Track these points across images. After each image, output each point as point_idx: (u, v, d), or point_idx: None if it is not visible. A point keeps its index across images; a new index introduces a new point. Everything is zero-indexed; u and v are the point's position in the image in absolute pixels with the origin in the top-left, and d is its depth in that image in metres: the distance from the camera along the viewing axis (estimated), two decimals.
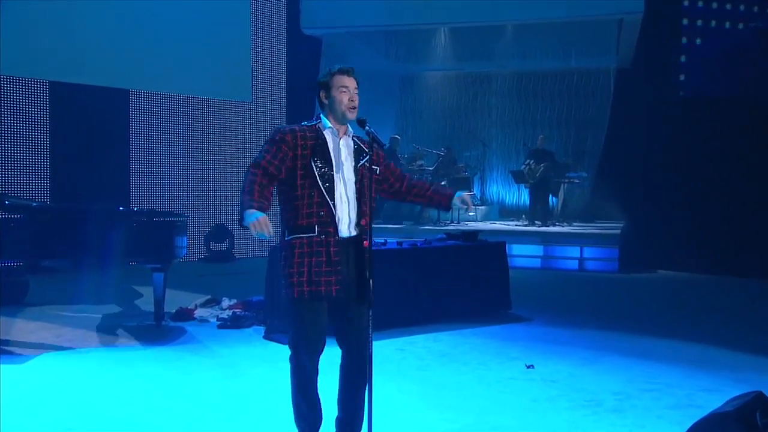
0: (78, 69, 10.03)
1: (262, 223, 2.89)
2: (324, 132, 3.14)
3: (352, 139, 3.20)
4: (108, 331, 6.09)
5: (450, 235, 7.11)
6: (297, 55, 12.55)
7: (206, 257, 11.37)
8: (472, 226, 12.04)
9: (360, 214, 3.12)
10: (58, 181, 10.03)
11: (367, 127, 3.09)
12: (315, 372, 3.14)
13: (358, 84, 3.19)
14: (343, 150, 3.14)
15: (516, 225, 12.42)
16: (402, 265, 6.21)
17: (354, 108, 3.15)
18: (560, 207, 12.70)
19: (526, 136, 12.94)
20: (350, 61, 14.61)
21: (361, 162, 3.15)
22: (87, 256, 5.71)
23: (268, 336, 5.85)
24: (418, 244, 6.59)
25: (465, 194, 3.42)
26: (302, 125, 3.17)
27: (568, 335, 6.12)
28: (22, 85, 9.96)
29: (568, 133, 14.62)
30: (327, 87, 3.15)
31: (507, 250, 10.45)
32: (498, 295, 6.87)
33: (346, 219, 3.10)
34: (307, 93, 11.00)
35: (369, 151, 3.14)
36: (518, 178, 12.53)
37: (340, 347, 3.19)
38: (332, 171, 3.08)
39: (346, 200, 3.10)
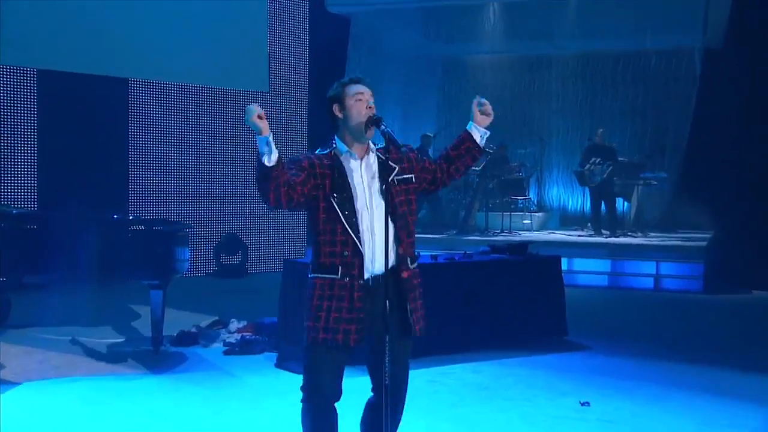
0: (70, 56, 10.32)
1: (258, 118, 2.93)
2: (341, 158, 3.22)
3: (376, 155, 3.25)
4: (99, 356, 6.28)
5: (494, 247, 7.17)
6: (321, 37, 12.70)
7: (215, 272, 11.61)
8: (526, 236, 12.04)
9: (398, 241, 3.17)
10: (46, 185, 10.32)
11: (382, 126, 3.15)
12: (331, 416, 3.25)
13: (373, 93, 3.27)
14: (365, 175, 3.21)
15: (579, 235, 12.39)
16: (436, 283, 6.25)
17: (374, 118, 3.18)
18: (634, 214, 12.63)
19: (593, 130, 12.89)
20: (384, 43, 14.94)
21: (390, 179, 3.19)
22: (76, 270, 5.90)
23: (281, 364, 5.98)
24: (456, 258, 6.66)
25: (475, 102, 3.40)
26: (316, 153, 3.26)
27: (633, 367, 6.12)
28: (5, 75, 10.20)
29: (644, 126, 14.53)
30: (339, 100, 3.23)
31: (566, 266, 10.74)
32: (551, 318, 6.89)
33: (376, 256, 3.16)
34: (333, 81, 11.15)
35: (397, 161, 3.21)
36: (583, 179, 12.50)
37: (372, 382, 3.30)
38: (354, 203, 3.16)
39: (377, 233, 3.15)
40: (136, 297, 7.93)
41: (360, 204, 3.16)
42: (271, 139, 2.96)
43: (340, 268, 3.15)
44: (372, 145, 3.26)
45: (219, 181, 11.93)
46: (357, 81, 3.25)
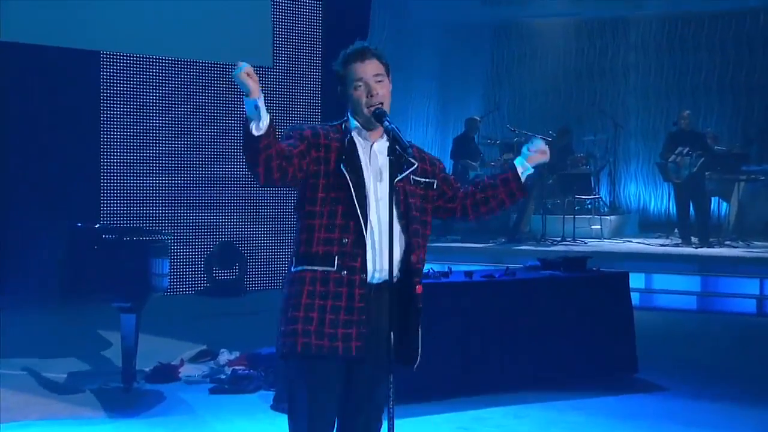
0: (25, 24, 10.42)
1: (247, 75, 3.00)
2: (352, 133, 3.32)
3: (389, 143, 3.30)
4: (59, 395, 6.36)
5: (545, 262, 7.17)
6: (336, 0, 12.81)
7: (206, 289, 11.73)
8: (595, 245, 12.01)
9: (409, 249, 3.25)
10: None
11: (386, 123, 3.23)
12: None
13: (383, 63, 3.32)
14: (378, 158, 3.30)
15: (662, 245, 12.31)
16: (469, 306, 6.30)
17: (378, 104, 3.26)
18: (733, 218, 12.51)
19: (679, 112, 12.79)
20: (415, 4, 14.90)
21: (404, 174, 3.27)
22: (31, 290, 6.05)
23: (278, 405, 6.02)
24: (496, 276, 6.68)
25: (533, 149, 3.50)
26: (324, 125, 3.37)
27: (720, 414, 6.07)
28: None
29: (747, 107, 14.40)
30: (342, 81, 3.34)
31: (644, 283, 10.70)
32: (616, 351, 6.87)
33: (382, 254, 3.22)
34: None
35: (418, 159, 3.31)
36: (666, 174, 12.41)
37: (339, 421, 3.34)
38: (365, 186, 3.23)
39: (384, 230, 3.20)
40: (106, 321, 8.03)
41: (370, 189, 3.25)
42: (261, 102, 3.03)
43: (336, 258, 3.19)
44: (388, 128, 3.32)
45: (213, 179, 12.01)
46: (358, 57, 3.31)
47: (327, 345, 3.16)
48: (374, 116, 3.25)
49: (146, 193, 11.59)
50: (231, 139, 12.07)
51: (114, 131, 11.36)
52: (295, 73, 12.52)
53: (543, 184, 12.66)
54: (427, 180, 3.37)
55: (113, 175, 11.36)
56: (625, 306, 7.03)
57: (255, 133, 3.02)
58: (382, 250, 3.21)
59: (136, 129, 11.51)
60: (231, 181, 12.09)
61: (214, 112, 12.07)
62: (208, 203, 12.02)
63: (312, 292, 3.20)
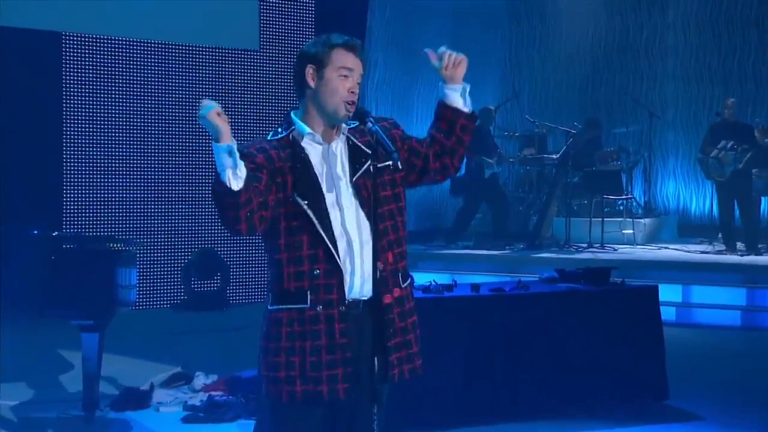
0: None
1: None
2: (303, 143, 3.36)
3: (347, 137, 3.41)
4: (10, 427, 6.38)
5: (564, 273, 7.17)
6: None
7: (183, 302, 11.77)
8: (626, 252, 12.02)
9: (376, 254, 3.30)
10: None
11: (369, 124, 3.32)
12: None
13: (365, 67, 3.42)
14: (336, 163, 3.36)
15: (703, 252, 12.31)
16: (475, 325, 6.31)
17: (353, 103, 3.35)
18: None
19: (723, 100, 12.78)
20: None
21: (363, 168, 3.35)
22: None
23: None
24: (507, 290, 6.69)
25: (432, 55, 3.46)
26: (269, 140, 3.38)
27: None
28: None
29: None
30: (320, 63, 3.36)
31: (681, 297, 10.68)
32: (644, 374, 6.86)
33: (358, 270, 3.30)
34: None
35: (374, 146, 3.35)
36: (708, 171, 12.40)
37: None
38: (323, 203, 3.29)
39: (355, 239, 3.30)
40: (66, 339, 8.05)
41: (330, 201, 3.30)
42: (235, 147, 3.05)
43: (309, 293, 3.26)
44: (343, 126, 3.40)
45: (191, 178, 12.05)
46: (350, 47, 3.38)
47: (312, 390, 3.25)
48: (357, 114, 3.33)
49: (115, 193, 11.61)
50: (203, 140, 12.11)
51: (78, 124, 11.40)
52: (283, 57, 12.58)
53: (567, 182, 12.67)
54: (389, 163, 3.37)
55: (77, 174, 11.39)
56: (653, 324, 7.02)
57: (234, 187, 3.05)
58: (355, 269, 3.30)
59: (104, 122, 11.55)
60: (212, 179, 12.09)
61: (194, 103, 12.13)
62: (185, 205, 12.05)
63: (291, 333, 3.28)
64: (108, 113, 11.56)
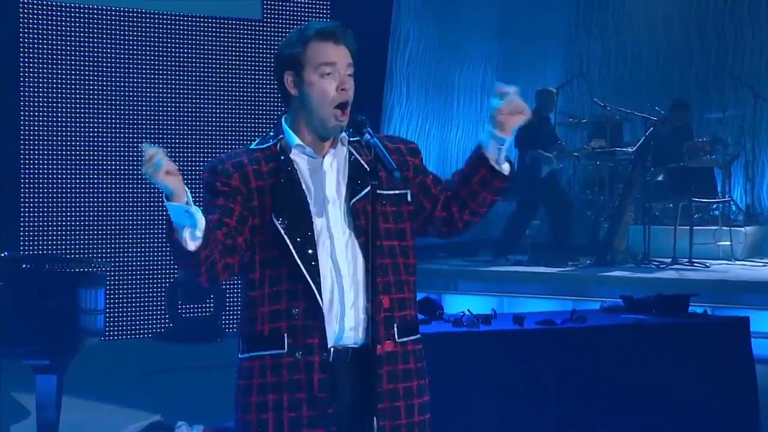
0: None
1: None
2: (291, 155, 3.46)
3: (348, 150, 3.49)
4: None
5: (631, 301, 7.17)
6: None
7: (168, 332, 11.85)
8: (722, 270, 11.93)
9: (375, 293, 3.36)
10: None
11: (366, 135, 3.39)
12: None
13: (354, 56, 3.48)
14: (329, 182, 3.46)
15: None
16: (518, 365, 6.35)
17: (347, 103, 3.43)
18: None
19: None
20: None
21: (363, 191, 3.42)
22: None
23: None
24: (558, 323, 6.70)
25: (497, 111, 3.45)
26: (252, 149, 3.50)
27: None
28: None
29: None
30: (297, 65, 3.46)
31: None
32: (731, 423, 6.84)
33: (348, 311, 3.39)
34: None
35: (376, 165, 3.38)
36: None
37: None
38: (310, 228, 3.39)
39: (345, 276, 3.39)
40: (20, 379, 8.14)
41: (318, 227, 3.40)
42: (192, 205, 3.18)
43: (286, 336, 3.36)
44: (343, 135, 3.48)
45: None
46: (326, 35, 3.46)
47: None
48: (353, 125, 3.41)
49: (85, 203, 11.67)
50: (201, 129, 12.26)
51: (40, 117, 11.47)
52: (287, 27, 12.71)
53: (647, 181, 12.65)
54: (399, 192, 3.47)
55: (36, 184, 11.44)
56: (743, 362, 6.97)
57: (192, 248, 3.19)
58: (344, 310, 3.38)
59: (73, 114, 11.62)
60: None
61: (188, 90, 12.30)
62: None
63: (263, 386, 3.38)
64: (78, 104, 11.61)
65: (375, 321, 3.35)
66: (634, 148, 12.65)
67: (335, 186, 3.45)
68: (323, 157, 3.47)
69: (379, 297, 3.36)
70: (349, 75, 3.45)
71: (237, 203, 3.35)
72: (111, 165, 11.81)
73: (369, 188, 3.38)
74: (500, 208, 14.15)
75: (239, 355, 3.46)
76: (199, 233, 3.18)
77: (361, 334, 3.39)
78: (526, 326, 6.63)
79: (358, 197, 3.42)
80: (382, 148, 3.34)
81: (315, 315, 3.34)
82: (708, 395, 6.88)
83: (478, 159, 3.51)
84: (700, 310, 7.24)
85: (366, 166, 3.43)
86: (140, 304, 11.76)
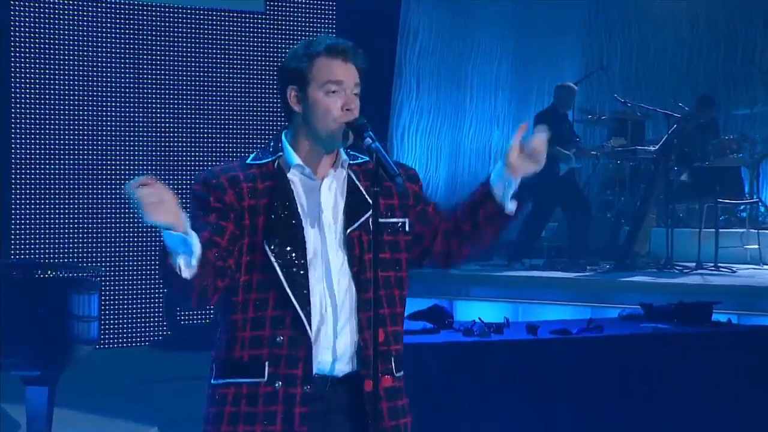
0: None
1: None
2: (289, 174, 3.48)
3: (347, 173, 3.50)
4: None
5: (650, 309, 7.19)
6: None
7: (166, 340, 11.91)
8: (749, 275, 11.88)
9: (375, 323, 3.35)
10: None
11: (368, 140, 3.40)
12: None
13: (362, 76, 3.49)
14: (326, 205, 3.48)
15: None
16: (531, 377, 6.37)
17: (353, 122, 3.42)
18: None
19: None
20: None
21: (361, 219, 3.46)
22: None
23: None
24: (574, 332, 6.71)
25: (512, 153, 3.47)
26: (248, 164, 3.50)
27: None
28: None
29: None
30: (302, 81, 3.47)
31: None
32: None
33: (341, 343, 3.42)
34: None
35: (384, 192, 3.40)
36: None
37: None
38: (304, 256, 3.40)
39: (338, 305, 3.42)
40: (11, 390, 8.18)
41: (311, 253, 3.42)
42: (192, 234, 3.16)
43: (267, 364, 3.37)
44: (343, 155, 3.50)
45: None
46: (336, 51, 3.46)
47: None
48: (353, 129, 3.40)
49: (80, 207, 11.74)
50: (202, 124, 12.30)
51: (31, 114, 11.56)
52: (290, 20, 12.79)
53: (670, 181, 12.62)
54: (396, 220, 3.50)
55: (27, 184, 11.52)
56: None
57: (187, 275, 3.18)
58: (332, 340, 3.41)
59: (67, 112, 11.73)
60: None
61: (188, 86, 12.33)
62: None
63: (235, 415, 3.38)
64: (73, 104, 11.70)
65: (370, 355, 3.34)
66: (657, 147, 12.61)
67: (332, 211, 3.47)
68: (322, 179, 3.48)
69: (374, 330, 3.34)
70: (356, 94, 3.46)
71: (230, 221, 3.36)
72: (108, 167, 11.90)
73: (366, 217, 3.42)
74: None
75: (211, 381, 3.46)
76: (195, 262, 3.16)
77: (349, 367, 3.41)
78: (540, 336, 6.65)
79: (354, 226, 3.45)
80: (384, 152, 3.34)
81: (301, 344, 3.35)
82: (732, 410, 6.87)
83: (484, 194, 3.54)
84: (724, 319, 7.25)
85: (365, 193, 3.45)
86: (137, 311, 11.81)
